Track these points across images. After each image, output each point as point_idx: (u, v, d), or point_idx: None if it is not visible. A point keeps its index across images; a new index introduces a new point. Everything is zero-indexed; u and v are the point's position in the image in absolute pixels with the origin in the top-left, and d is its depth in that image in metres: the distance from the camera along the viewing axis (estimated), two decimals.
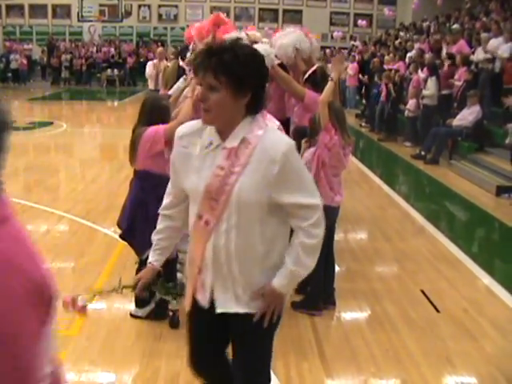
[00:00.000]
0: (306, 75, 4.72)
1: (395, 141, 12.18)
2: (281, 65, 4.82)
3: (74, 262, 4.90)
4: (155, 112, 3.68)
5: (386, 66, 13.91)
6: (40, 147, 11.10)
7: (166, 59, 9.17)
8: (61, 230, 5.89)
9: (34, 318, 0.93)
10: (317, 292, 4.08)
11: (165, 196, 2.24)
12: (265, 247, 2.04)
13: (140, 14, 25.82)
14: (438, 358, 3.56)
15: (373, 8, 25.49)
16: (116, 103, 20.39)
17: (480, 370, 3.46)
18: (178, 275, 3.61)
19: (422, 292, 4.51)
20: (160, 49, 10.88)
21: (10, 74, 24.04)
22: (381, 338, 3.77)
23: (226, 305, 2.06)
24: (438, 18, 17.63)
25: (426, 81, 11.11)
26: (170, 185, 2.22)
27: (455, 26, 13.69)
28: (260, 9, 25.67)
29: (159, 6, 25.65)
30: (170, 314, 3.74)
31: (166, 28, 25.87)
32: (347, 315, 4.17)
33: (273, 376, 3.20)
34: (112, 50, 25.06)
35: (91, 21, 25.22)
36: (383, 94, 12.69)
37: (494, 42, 10.83)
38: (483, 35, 11.44)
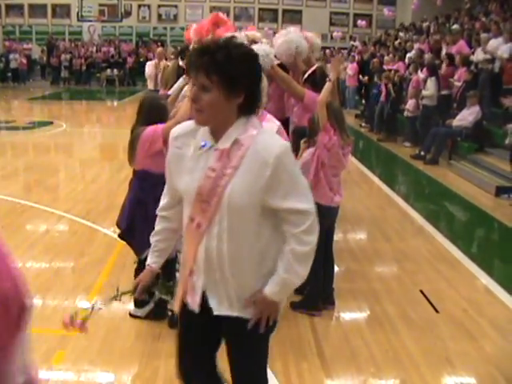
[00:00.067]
0: (306, 75, 4.73)
1: (395, 141, 12.19)
2: (280, 65, 4.83)
3: (74, 262, 4.90)
4: (153, 111, 3.68)
5: (385, 67, 13.92)
6: (40, 147, 11.09)
7: (166, 59, 9.17)
8: (60, 229, 5.89)
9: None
10: (316, 292, 4.08)
11: (162, 197, 2.22)
12: (259, 252, 2.00)
13: (140, 14, 25.82)
14: (438, 358, 3.56)
15: (372, 8, 25.51)
16: (115, 103, 20.39)
17: (479, 370, 3.46)
18: (177, 275, 3.61)
19: (422, 292, 4.51)
20: (159, 49, 10.87)
21: (9, 74, 24.05)
22: (380, 338, 3.77)
23: (218, 308, 2.03)
24: (437, 18, 17.63)
25: (425, 81, 11.11)
26: (166, 186, 2.20)
27: (455, 27, 13.70)
28: (260, 9, 25.68)
29: (159, 6, 25.66)
30: (169, 313, 3.74)
31: (165, 28, 25.87)
32: (346, 315, 4.17)
33: (272, 376, 3.21)
34: (112, 49, 25.08)
35: (91, 21, 25.22)
36: (383, 94, 12.70)
37: (493, 43, 10.83)
38: (483, 35, 11.45)
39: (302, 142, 4.24)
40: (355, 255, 5.34)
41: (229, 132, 1.93)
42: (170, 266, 3.19)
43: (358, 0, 25.58)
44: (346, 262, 5.10)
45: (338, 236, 4.98)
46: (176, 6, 25.57)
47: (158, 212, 2.23)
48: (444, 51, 12.41)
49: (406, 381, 3.33)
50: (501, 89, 9.94)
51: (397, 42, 17.58)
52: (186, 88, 4.10)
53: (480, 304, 4.37)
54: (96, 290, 4.32)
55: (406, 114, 11.71)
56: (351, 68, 16.70)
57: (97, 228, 5.77)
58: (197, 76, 1.88)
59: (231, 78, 1.86)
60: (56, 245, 5.30)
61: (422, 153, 10.26)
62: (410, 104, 11.50)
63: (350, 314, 4.20)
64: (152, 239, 2.25)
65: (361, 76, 16.22)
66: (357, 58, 17.48)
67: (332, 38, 23.64)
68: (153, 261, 2.23)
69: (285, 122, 4.55)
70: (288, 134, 4.40)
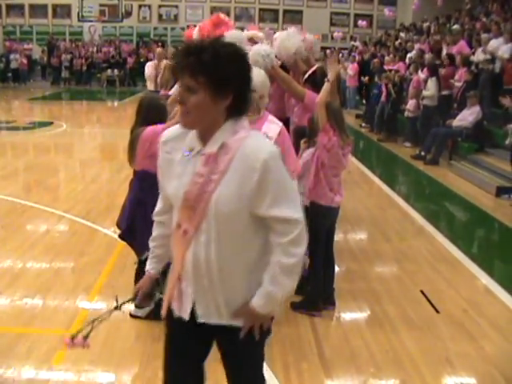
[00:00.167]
0: (306, 75, 4.73)
1: (395, 141, 12.19)
2: (281, 65, 4.82)
3: (74, 262, 4.90)
4: (152, 112, 3.68)
5: (386, 67, 13.92)
6: (40, 147, 11.09)
7: (166, 58, 9.16)
8: (61, 229, 5.89)
9: None
10: (316, 292, 4.08)
11: (158, 201, 2.18)
12: (250, 261, 1.94)
13: (140, 14, 25.83)
14: (438, 358, 3.56)
15: (373, 8, 25.52)
16: (116, 103, 20.40)
17: (479, 371, 3.46)
18: None
19: (422, 292, 4.51)
20: (159, 49, 10.85)
21: (10, 74, 24.08)
22: (380, 339, 3.77)
23: (207, 316, 1.97)
24: (438, 18, 17.62)
25: (426, 81, 11.12)
26: (160, 190, 2.14)
27: (455, 27, 13.70)
28: (260, 9, 25.69)
29: (159, 6, 25.67)
30: None
31: (166, 28, 25.88)
32: (347, 316, 4.17)
33: (272, 376, 3.21)
34: (112, 50, 25.09)
35: (91, 21, 25.24)
36: (383, 94, 12.70)
37: (494, 43, 10.85)
38: (483, 36, 11.46)
39: (301, 142, 4.25)
40: (355, 255, 5.34)
41: (216, 135, 1.86)
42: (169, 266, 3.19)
43: (358, 0, 25.60)
44: (346, 262, 5.10)
45: (338, 236, 4.98)
46: (176, 7, 25.59)
47: (153, 217, 2.19)
48: (444, 51, 12.41)
49: (405, 381, 3.33)
50: (501, 89, 9.94)
51: (397, 43, 17.58)
52: None
53: (480, 304, 4.37)
54: (96, 290, 4.32)
55: (406, 114, 11.72)
56: (352, 68, 16.70)
57: (97, 228, 5.77)
58: (182, 77, 1.82)
59: (218, 79, 1.79)
60: (56, 245, 5.31)
61: (423, 153, 10.26)
62: (411, 104, 11.51)
63: (350, 315, 4.20)
64: (150, 244, 2.21)
65: (362, 76, 16.23)
66: (357, 58, 17.48)
67: (332, 38, 23.66)
68: (151, 267, 2.20)
69: (285, 122, 4.55)
70: (289, 133, 4.39)
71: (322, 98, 3.92)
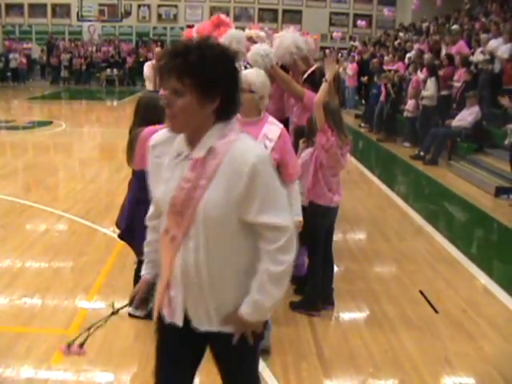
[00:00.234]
0: (305, 75, 4.73)
1: (394, 141, 12.19)
2: (280, 65, 4.82)
3: (73, 262, 4.90)
4: (150, 112, 3.68)
5: (385, 67, 13.92)
6: (39, 146, 11.09)
7: None
8: (60, 229, 5.89)
9: None
10: (315, 292, 4.08)
11: (150, 206, 2.14)
12: (240, 269, 1.90)
13: (139, 14, 25.84)
14: (437, 358, 3.56)
15: (372, 8, 25.55)
16: (115, 103, 20.38)
17: (478, 371, 3.46)
18: None
19: (421, 292, 4.51)
20: (158, 49, 10.86)
21: (9, 73, 24.09)
22: (379, 339, 3.77)
23: (198, 323, 1.94)
24: (437, 18, 17.63)
25: (425, 81, 11.13)
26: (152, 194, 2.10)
27: (455, 27, 13.69)
28: (260, 9, 25.70)
29: (159, 6, 25.68)
30: None
31: (165, 28, 25.89)
32: (346, 316, 4.17)
33: (271, 376, 3.21)
34: (111, 49, 25.09)
35: (91, 20, 25.25)
36: (382, 94, 12.70)
37: (493, 43, 10.85)
38: (483, 36, 11.47)
39: (300, 141, 4.25)
40: (354, 255, 5.34)
41: (203, 140, 1.82)
42: None
43: (357, 0, 25.63)
44: (345, 262, 5.10)
45: (337, 236, 4.99)
46: (176, 6, 25.59)
47: (146, 221, 2.16)
48: (444, 51, 12.42)
49: (404, 381, 3.33)
50: (500, 89, 9.94)
51: (396, 43, 17.59)
52: None
53: (479, 304, 4.37)
54: (95, 289, 4.32)
55: (405, 114, 11.73)
56: (351, 68, 16.70)
57: (96, 228, 5.77)
58: (169, 79, 1.78)
59: (205, 81, 1.75)
60: (55, 244, 5.30)
61: (422, 153, 10.27)
62: (410, 104, 11.51)
63: (349, 315, 4.20)
64: (144, 249, 2.19)
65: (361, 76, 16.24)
66: (356, 58, 17.49)
67: (332, 38, 23.68)
68: (147, 272, 2.17)
69: (285, 122, 4.55)
70: (288, 133, 4.40)
71: (320, 98, 3.91)
